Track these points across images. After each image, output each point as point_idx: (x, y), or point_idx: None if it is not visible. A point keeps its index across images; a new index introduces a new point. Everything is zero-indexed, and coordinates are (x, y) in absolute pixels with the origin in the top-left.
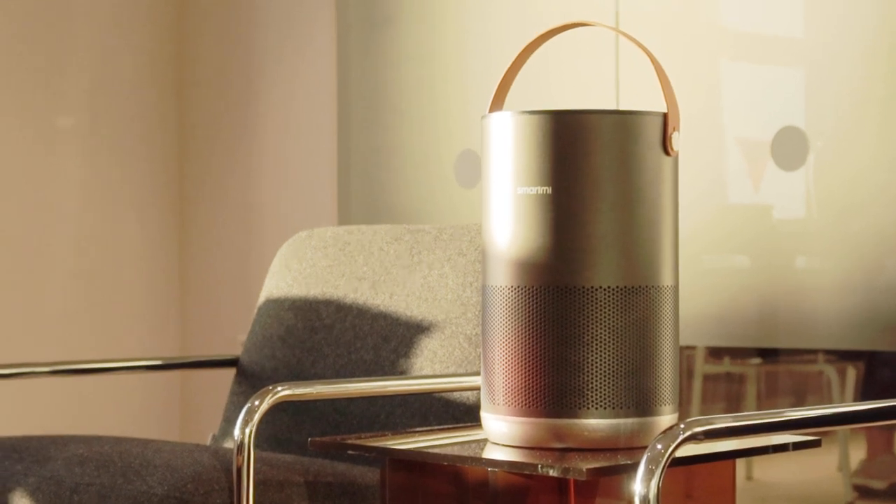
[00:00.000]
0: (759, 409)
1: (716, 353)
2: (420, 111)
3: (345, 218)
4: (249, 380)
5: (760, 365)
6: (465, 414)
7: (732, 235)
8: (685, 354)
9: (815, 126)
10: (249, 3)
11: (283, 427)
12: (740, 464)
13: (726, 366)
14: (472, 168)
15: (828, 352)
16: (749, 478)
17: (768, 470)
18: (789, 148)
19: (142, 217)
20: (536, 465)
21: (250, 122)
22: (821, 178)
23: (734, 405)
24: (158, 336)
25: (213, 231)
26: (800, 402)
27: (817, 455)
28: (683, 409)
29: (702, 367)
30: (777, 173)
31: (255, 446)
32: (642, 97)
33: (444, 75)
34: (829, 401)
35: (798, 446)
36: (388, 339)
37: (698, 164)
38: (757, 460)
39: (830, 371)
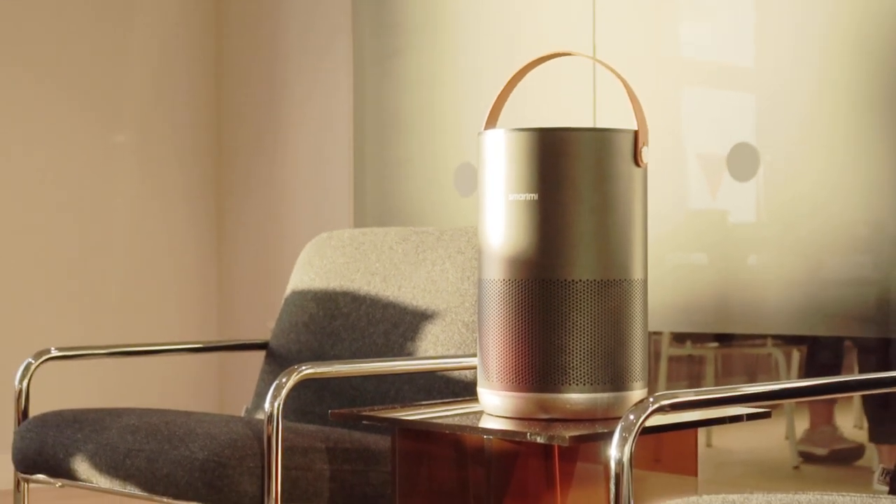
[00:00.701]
0: (716, 386)
1: (679, 337)
2: (424, 129)
3: (360, 220)
4: (277, 360)
5: (717, 348)
6: (464, 390)
7: (693, 237)
8: (653, 339)
9: (766, 142)
10: (277, 35)
11: (306, 401)
12: (701, 433)
13: (688, 349)
14: (469, 179)
15: (775, 336)
16: (709, 445)
17: (725, 439)
18: (742, 161)
19: (185, 221)
20: (525, 433)
21: (280, 140)
22: (770, 188)
23: (695, 383)
24: (199, 322)
25: (247, 232)
26: (752, 381)
27: (767, 425)
28: (651, 387)
29: (667, 349)
30: (732, 184)
31: (283, 417)
32: (616, 116)
33: (444, 98)
34: (777, 379)
35: (751, 417)
36: (397, 326)
37: (664, 176)
38: (715, 430)
39: (778, 353)
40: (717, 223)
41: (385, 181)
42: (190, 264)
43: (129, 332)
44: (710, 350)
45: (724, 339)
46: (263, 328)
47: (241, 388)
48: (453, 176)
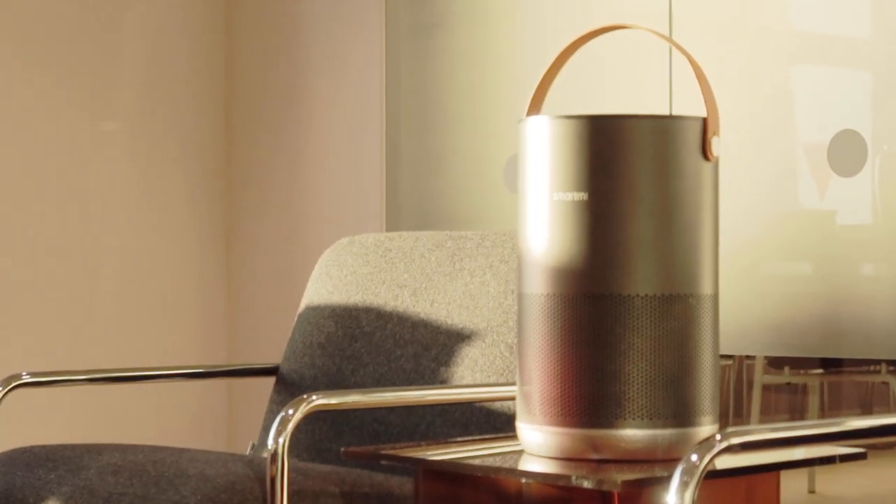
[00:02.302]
0: (821, 419)
1: (776, 363)
2: (469, 115)
3: (393, 224)
4: (289, 388)
5: (823, 375)
6: (507, 424)
7: (795, 242)
8: (745, 364)
9: (882, 130)
10: (297, 8)
11: (322, 436)
12: (800, 476)
13: (787, 376)
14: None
15: (892, 362)
16: (812, 491)
17: (832, 483)
18: (847, 152)
19: (188, 223)
20: (570, 477)
21: (297, 127)
22: (886, 185)
23: (796, 417)
24: (205, 344)
25: (260, 238)
26: (865, 413)
27: (883, 468)
28: (742, 420)
29: (761, 377)
30: (838, 179)
31: (294, 455)
32: (697, 102)
33: (493, 79)
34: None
35: (845, 459)
36: (429, 348)
37: (758, 169)
38: (820, 472)
39: (894, 382)
40: (822, 225)
41: (422, 177)
42: (195, 275)
43: (123, 357)
44: (813, 378)
45: (830, 364)
46: (280, 349)
47: (253, 420)
48: (503, 170)
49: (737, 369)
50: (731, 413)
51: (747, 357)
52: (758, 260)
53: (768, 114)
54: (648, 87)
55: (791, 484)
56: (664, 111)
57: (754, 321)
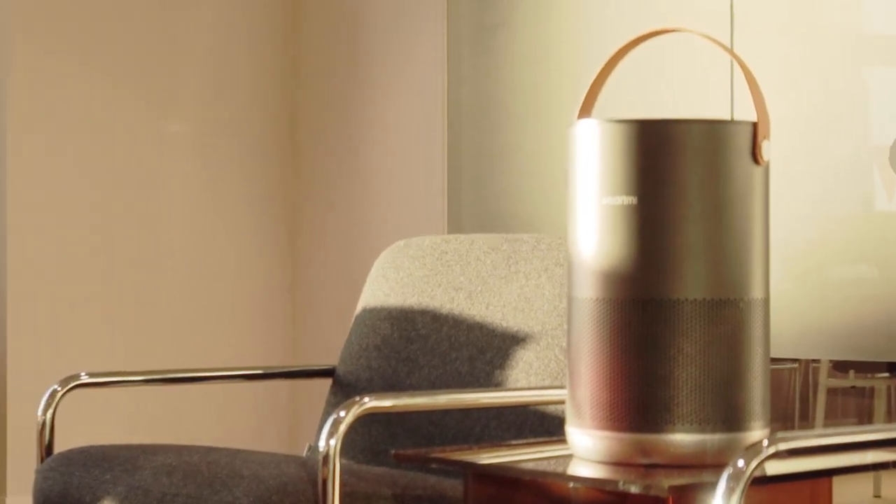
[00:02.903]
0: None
1: (841, 366)
2: (531, 116)
3: (455, 225)
4: (345, 390)
5: (890, 379)
6: (559, 427)
7: (862, 245)
8: (810, 368)
9: None
10: (361, 10)
11: (377, 438)
12: (865, 480)
13: (852, 380)
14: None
15: None
16: (877, 496)
17: None
18: None
19: (253, 224)
20: (617, 482)
21: (360, 129)
22: None
23: (862, 421)
24: (269, 344)
25: (324, 239)
26: None
27: None
28: (807, 424)
29: (826, 380)
30: None
31: (350, 457)
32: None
33: (555, 79)
34: None
35: None
36: (484, 351)
37: (825, 170)
38: (887, 476)
39: None
40: (891, 228)
41: (484, 178)
42: (259, 276)
43: (188, 357)
44: (880, 381)
45: None
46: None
47: (315, 423)
48: (565, 171)
49: (803, 373)
50: (797, 417)
51: (812, 361)
52: (824, 262)
53: (836, 115)
54: (711, 89)
55: (856, 488)
56: (725, 114)
57: (819, 324)
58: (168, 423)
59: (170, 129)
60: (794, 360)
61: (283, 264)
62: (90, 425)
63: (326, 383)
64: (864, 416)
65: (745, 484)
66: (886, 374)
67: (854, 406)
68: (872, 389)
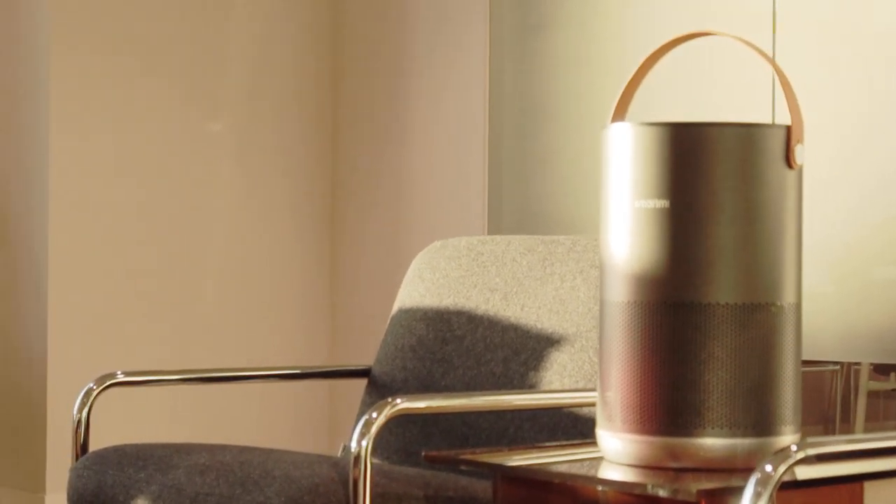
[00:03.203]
0: None
1: (882, 369)
2: (574, 117)
3: (495, 227)
4: (380, 390)
5: None
6: (592, 430)
7: None
8: (852, 370)
9: None
10: (402, 10)
11: (411, 439)
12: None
13: (893, 382)
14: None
15: None
16: None
17: None
18: None
19: (292, 224)
20: (646, 485)
21: (401, 129)
22: None
23: None
24: (308, 344)
25: (364, 239)
26: None
27: None
28: (848, 427)
29: (867, 383)
30: None
31: (384, 458)
32: (802, 108)
33: (597, 81)
34: None
35: None
36: (519, 352)
37: (867, 171)
38: None
39: None
40: None
41: (526, 179)
42: (298, 276)
43: (227, 357)
44: None
45: None
46: None
47: (352, 423)
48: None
49: (844, 375)
50: (838, 419)
51: (854, 363)
52: (864, 265)
53: (877, 116)
54: (752, 91)
55: (889, 493)
56: (766, 117)
57: (860, 327)
58: (204, 422)
59: (211, 128)
60: (836, 363)
61: (321, 264)
62: (126, 424)
63: (363, 383)
64: None
65: (774, 489)
66: None
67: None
68: None
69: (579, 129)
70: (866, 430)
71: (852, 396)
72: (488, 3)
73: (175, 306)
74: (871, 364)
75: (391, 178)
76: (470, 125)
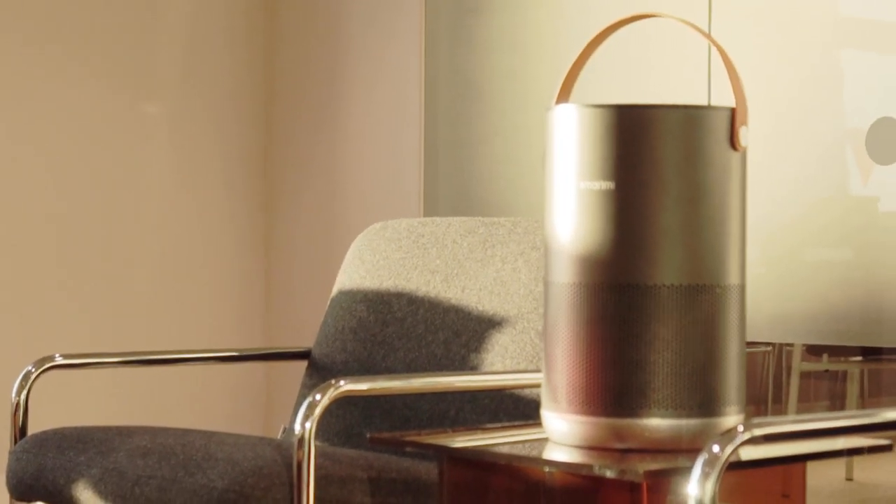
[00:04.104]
0: (861, 408)
1: (815, 350)
2: (509, 101)
3: (431, 209)
4: (320, 372)
5: (862, 363)
6: (535, 411)
7: (837, 228)
8: (784, 351)
9: None
10: None
11: (353, 421)
12: (838, 464)
13: (825, 363)
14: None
15: None
16: (849, 479)
17: (871, 471)
18: (885, 139)
19: (227, 206)
20: (592, 466)
21: (336, 112)
22: None
23: (835, 404)
24: (243, 327)
25: (299, 221)
26: None
27: None
28: (780, 408)
29: (799, 364)
30: (881, 166)
31: (325, 440)
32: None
33: (534, 64)
34: None
35: (872, 450)
36: (460, 334)
37: (800, 154)
38: (858, 460)
39: None
40: (865, 212)
41: (460, 162)
42: (233, 259)
43: (161, 339)
44: (853, 365)
45: (871, 352)
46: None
47: (289, 405)
48: (541, 156)
49: (776, 356)
50: (770, 400)
51: (786, 345)
52: (798, 245)
53: (812, 99)
54: (688, 74)
55: (828, 471)
56: (703, 100)
57: (793, 308)
58: (142, 405)
59: (144, 110)
60: (769, 344)
61: (256, 246)
62: (64, 407)
63: (301, 366)
64: (837, 400)
65: (721, 469)
66: (860, 358)
67: (827, 390)
68: (845, 373)
69: (514, 112)
70: (799, 410)
71: (784, 377)
72: None
73: (110, 289)
74: (804, 345)
75: (326, 160)
76: (405, 107)
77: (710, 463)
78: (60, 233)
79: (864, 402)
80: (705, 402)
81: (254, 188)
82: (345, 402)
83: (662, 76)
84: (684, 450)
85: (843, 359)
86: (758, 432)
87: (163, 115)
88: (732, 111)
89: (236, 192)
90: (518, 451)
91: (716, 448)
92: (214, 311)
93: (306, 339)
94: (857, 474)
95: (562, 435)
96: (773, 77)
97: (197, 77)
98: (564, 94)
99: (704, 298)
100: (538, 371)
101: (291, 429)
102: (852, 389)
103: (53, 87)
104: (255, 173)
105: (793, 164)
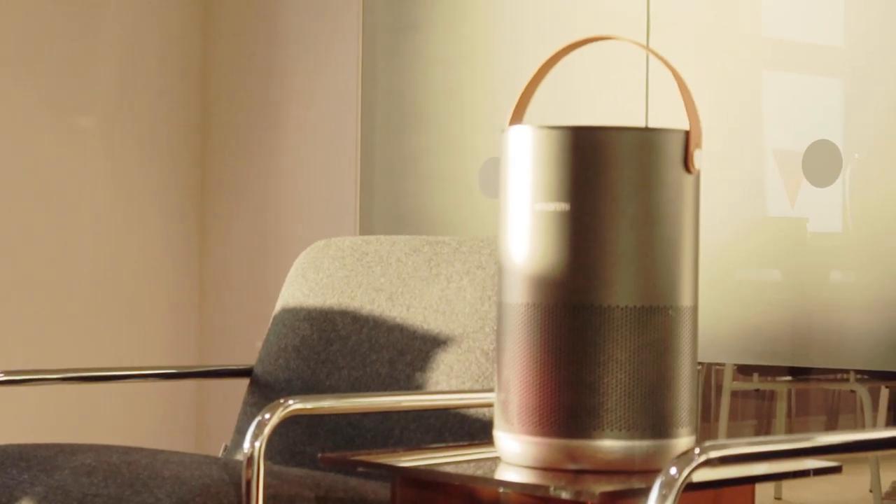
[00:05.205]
0: (789, 427)
1: (745, 370)
2: (445, 118)
3: (367, 227)
4: (263, 391)
5: (791, 382)
6: (482, 431)
7: (765, 249)
8: (714, 370)
9: (853, 139)
10: (274, 8)
11: (296, 440)
12: (768, 484)
13: (755, 383)
14: (496, 177)
15: (860, 372)
16: (778, 498)
17: (798, 490)
18: (822, 162)
19: (161, 222)
20: (548, 487)
21: (272, 127)
22: (857, 193)
23: (763, 423)
24: (176, 344)
25: (233, 238)
26: (831, 422)
27: (850, 476)
28: (711, 426)
29: (730, 383)
30: (809, 186)
31: (268, 459)
32: (673, 112)
33: (471, 82)
34: (860, 421)
35: (819, 472)
36: (404, 353)
37: (732, 176)
38: (787, 481)
39: (863, 391)
40: (794, 233)
41: (397, 180)
42: (167, 274)
43: (93, 356)
44: (781, 385)
45: (798, 372)
46: (252, 350)
47: (223, 422)
48: (478, 174)
49: (705, 374)
50: (699, 418)
51: (717, 364)
52: (728, 267)
53: (740, 121)
54: (625, 96)
55: (758, 491)
56: (640, 121)
57: (724, 328)
58: (75, 421)
59: (79, 123)
60: (699, 364)
61: (190, 262)
62: (1, 425)
63: (233, 383)
64: (765, 419)
65: (678, 491)
66: (789, 378)
67: (756, 408)
68: (773, 393)
69: (450, 130)
70: (730, 429)
71: (713, 396)
72: (361, 3)
73: (42, 306)
74: (735, 365)
75: (261, 177)
76: (342, 124)
77: (667, 485)
78: None
79: (792, 422)
80: (658, 424)
81: (188, 204)
82: (289, 421)
83: (599, 98)
84: (637, 471)
85: (771, 378)
86: (713, 454)
87: (98, 130)
88: (687, 134)
89: (171, 207)
90: (471, 470)
91: (673, 470)
92: (148, 328)
93: (240, 357)
94: (787, 494)
95: (514, 455)
96: (703, 99)
97: (131, 92)
98: (518, 115)
99: (658, 320)
100: (485, 391)
101: (234, 447)
102: (781, 408)
103: None
104: (189, 189)
105: (722, 187)
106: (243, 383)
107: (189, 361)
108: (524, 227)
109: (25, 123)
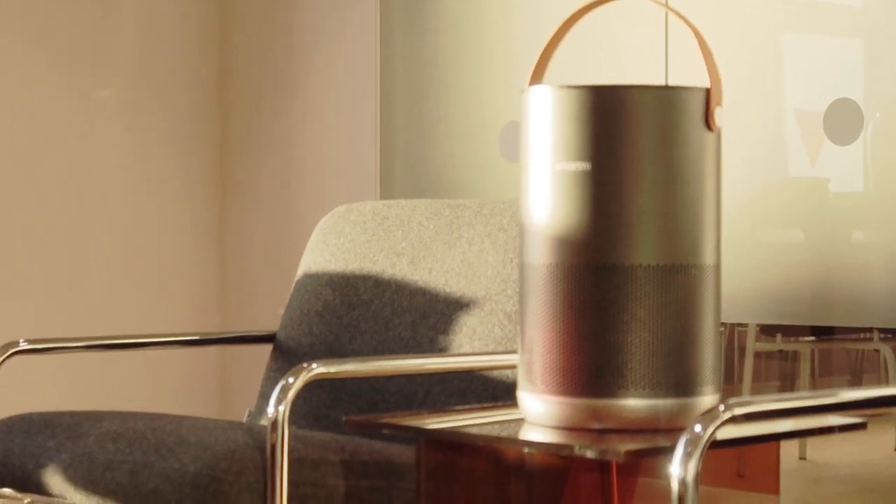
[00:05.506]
0: (812, 387)
1: (768, 330)
2: (465, 81)
3: (387, 192)
4: (286, 356)
5: (814, 343)
6: (505, 392)
7: (787, 210)
8: (737, 331)
9: (874, 98)
10: None
11: (320, 404)
12: (792, 444)
13: (779, 343)
14: (516, 141)
15: (884, 330)
16: (803, 458)
17: (822, 450)
18: (844, 120)
19: (183, 190)
20: (573, 447)
21: (292, 94)
22: (879, 152)
23: (787, 384)
24: (199, 311)
25: (255, 205)
26: (855, 381)
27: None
28: (734, 387)
29: (753, 344)
30: (833, 147)
31: (292, 423)
32: (692, 71)
33: (490, 44)
34: (885, 380)
35: (844, 429)
36: (427, 316)
37: (753, 137)
38: (811, 439)
39: (887, 350)
40: (815, 193)
41: (417, 144)
42: (189, 242)
43: (117, 324)
44: (805, 345)
45: (822, 332)
46: (274, 317)
47: (246, 389)
48: (498, 138)
49: (728, 336)
50: (723, 380)
51: (740, 325)
52: (750, 228)
53: (760, 82)
54: (644, 56)
55: (782, 451)
56: (660, 81)
57: (747, 289)
58: (100, 389)
59: (98, 95)
60: (722, 325)
61: (211, 230)
62: (24, 393)
63: (256, 349)
64: (789, 379)
65: (703, 449)
66: (812, 338)
67: (779, 369)
68: (797, 353)
69: (470, 93)
70: (753, 390)
71: (737, 357)
72: None
73: (65, 274)
74: (758, 325)
75: (281, 143)
76: (361, 88)
77: (692, 442)
78: (14, 220)
79: (815, 382)
80: (682, 382)
81: (209, 171)
82: (312, 385)
83: (619, 56)
84: (661, 430)
85: (794, 339)
86: (739, 411)
87: (117, 100)
88: (707, 91)
89: (191, 175)
90: (496, 432)
91: (698, 428)
92: (170, 296)
93: (262, 323)
94: (811, 454)
95: (538, 416)
96: (722, 60)
97: (151, 62)
98: (538, 76)
99: (681, 278)
100: (508, 352)
101: (258, 412)
102: (804, 368)
103: (3, 75)
104: (210, 156)
105: (743, 148)
106: (266, 349)
107: (212, 328)
108: (545, 187)
109: (45, 95)
